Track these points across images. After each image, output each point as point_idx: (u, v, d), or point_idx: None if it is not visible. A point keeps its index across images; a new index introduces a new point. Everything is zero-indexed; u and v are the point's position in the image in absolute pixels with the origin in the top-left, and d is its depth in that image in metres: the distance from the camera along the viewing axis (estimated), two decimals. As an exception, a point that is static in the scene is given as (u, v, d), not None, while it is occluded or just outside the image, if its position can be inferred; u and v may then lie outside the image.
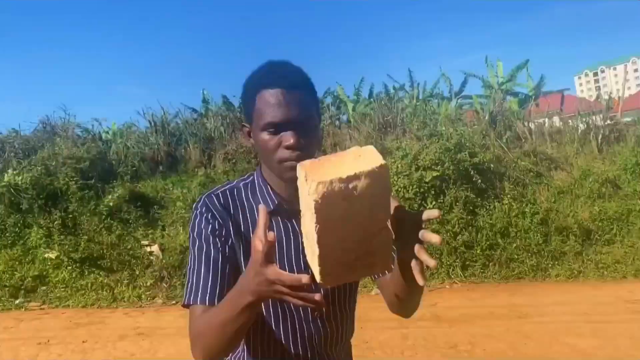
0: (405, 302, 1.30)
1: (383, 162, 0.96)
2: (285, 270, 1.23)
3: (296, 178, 1.15)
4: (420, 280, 1.07)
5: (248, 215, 1.32)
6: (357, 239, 0.99)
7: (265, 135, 1.23)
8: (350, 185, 0.93)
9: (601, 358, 4.65)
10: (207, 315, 1.18)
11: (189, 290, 1.24)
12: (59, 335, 5.84)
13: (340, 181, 0.93)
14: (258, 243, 0.98)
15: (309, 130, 1.24)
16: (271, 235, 0.97)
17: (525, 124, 11.11)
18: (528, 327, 5.44)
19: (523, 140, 10.66)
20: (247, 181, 1.37)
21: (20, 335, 5.98)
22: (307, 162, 1.00)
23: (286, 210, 1.31)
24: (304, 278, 0.95)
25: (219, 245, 1.26)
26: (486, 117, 10.82)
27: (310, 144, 1.25)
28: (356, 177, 0.93)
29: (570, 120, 12.74)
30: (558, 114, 15.90)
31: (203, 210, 1.30)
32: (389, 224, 1.04)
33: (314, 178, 0.92)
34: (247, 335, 1.31)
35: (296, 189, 1.07)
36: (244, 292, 1.05)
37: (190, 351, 1.18)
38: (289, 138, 1.20)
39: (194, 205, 1.34)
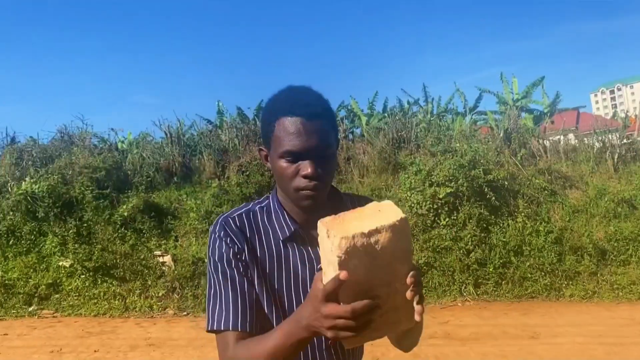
0: (403, 339, 1.36)
1: (403, 215, 0.97)
2: (301, 297, 1.28)
3: (312, 206, 1.24)
4: (417, 317, 1.06)
5: (264, 239, 1.31)
6: (381, 295, 0.97)
7: (283, 163, 1.24)
8: (373, 240, 0.93)
9: (616, 382, 4.58)
10: (248, 344, 1.18)
11: (216, 315, 1.23)
12: (72, 344, 5.89)
13: (362, 236, 0.93)
14: (319, 282, 0.99)
15: (326, 159, 1.25)
16: (343, 274, 0.93)
17: (540, 141, 11.05)
18: (541, 348, 5.38)
19: (538, 157, 10.60)
20: (262, 205, 1.37)
21: (33, 342, 6.03)
22: (327, 218, 1.00)
23: (302, 237, 1.31)
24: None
25: (241, 269, 1.26)
26: (501, 134, 10.78)
27: (327, 173, 1.26)
28: (377, 231, 0.93)
29: (585, 138, 12.65)
30: (573, 132, 15.77)
31: (221, 234, 1.29)
32: None
33: (336, 233, 0.92)
34: None
35: (312, 216, 1.10)
36: (299, 326, 1.06)
37: None
38: (306, 167, 1.21)
39: (210, 229, 1.34)
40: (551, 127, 15.56)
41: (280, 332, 1.12)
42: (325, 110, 1.27)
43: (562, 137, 12.80)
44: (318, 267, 1.19)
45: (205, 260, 8.84)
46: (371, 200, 1.37)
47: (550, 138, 11.97)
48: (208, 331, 1.24)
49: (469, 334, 6.02)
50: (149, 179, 10.47)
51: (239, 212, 1.35)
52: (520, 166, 10.15)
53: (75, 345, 5.83)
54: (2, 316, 8.09)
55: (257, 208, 1.37)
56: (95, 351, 5.58)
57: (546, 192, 9.73)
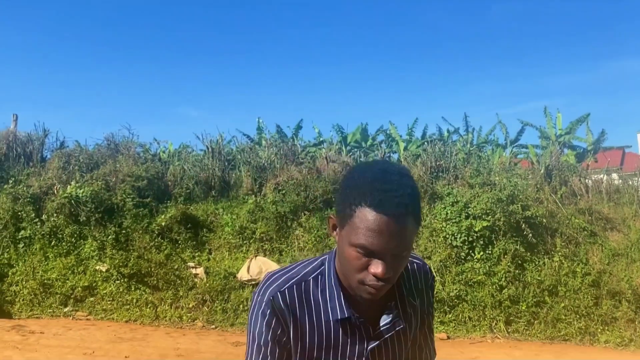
0: None
1: None
2: None
3: (372, 300, 1.22)
4: None
5: (315, 318, 1.27)
6: None
7: (353, 252, 1.15)
8: None
9: None
10: None
11: None
12: (104, 348, 6.04)
13: None
14: None
15: (401, 262, 1.17)
16: None
17: (582, 179, 10.82)
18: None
19: (579, 196, 10.38)
20: (317, 273, 1.29)
21: (68, 343, 6.21)
22: None
23: (355, 321, 1.27)
24: None
25: (277, 352, 1.25)
26: (541, 170, 10.61)
27: (397, 273, 1.19)
28: None
29: (630, 180, 12.33)
30: (617, 172, 15.39)
31: (267, 312, 1.24)
32: None
33: None
34: None
35: (369, 303, 1.20)
36: None
37: None
38: (378, 267, 1.13)
39: (256, 296, 1.28)
40: (594, 165, 15.21)
41: None
42: (415, 209, 1.15)
43: (605, 177, 12.50)
44: (368, 348, 1.28)
45: (241, 280, 8.98)
46: (425, 266, 1.42)
47: (593, 177, 11.70)
48: None
49: (498, 374, 5.91)
50: (188, 190, 10.71)
51: (289, 284, 1.27)
52: (559, 204, 9.96)
53: (107, 350, 5.97)
54: (39, 314, 8.36)
55: (310, 279, 1.28)
56: (126, 357, 5.71)
57: (585, 232, 9.51)
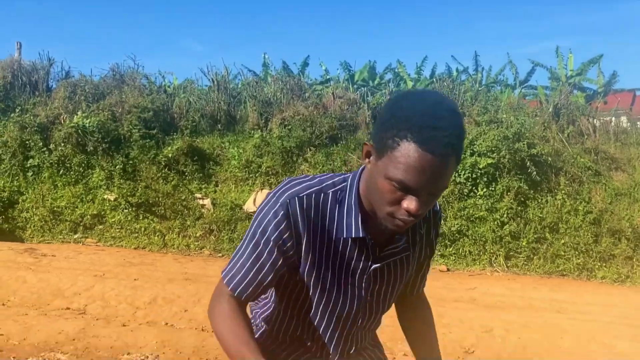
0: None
1: None
2: (339, 300, 1.33)
3: (396, 234, 1.23)
4: None
5: (327, 232, 1.24)
6: None
7: (388, 185, 1.09)
8: None
9: (638, 362, 4.60)
10: (231, 326, 1.21)
11: (229, 269, 1.26)
12: (113, 271, 6.23)
13: None
14: None
15: (434, 199, 1.14)
16: None
17: (590, 120, 10.74)
18: (566, 322, 5.41)
19: (585, 136, 10.34)
20: (337, 189, 1.25)
21: (78, 266, 6.41)
22: None
23: (367, 244, 1.25)
24: None
25: (274, 255, 1.22)
26: (550, 109, 10.52)
27: (429, 209, 1.15)
28: None
29: (639, 122, 12.22)
30: (627, 114, 15.21)
31: (280, 213, 1.20)
32: None
33: None
34: (284, 292, 1.34)
35: (388, 231, 1.19)
36: None
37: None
38: (412, 203, 1.08)
39: (273, 196, 1.23)
40: (604, 107, 15.00)
41: (236, 350, 1.17)
42: (460, 148, 1.09)
43: (613, 119, 12.39)
44: (371, 268, 1.28)
45: (247, 211, 9.16)
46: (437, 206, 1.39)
47: (602, 119, 11.60)
48: (222, 274, 1.29)
49: (494, 302, 6.09)
50: (194, 123, 10.71)
51: (309, 192, 1.22)
52: (566, 143, 9.94)
53: (117, 273, 6.16)
54: (50, 240, 8.58)
55: (330, 192, 1.23)
56: (135, 280, 5.90)
57: (590, 171, 9.54)
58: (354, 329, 1.40)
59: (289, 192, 1.21)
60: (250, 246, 1.23)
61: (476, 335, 4.98)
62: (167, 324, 4.78)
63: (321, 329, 1.36)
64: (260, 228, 1.21)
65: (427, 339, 1.58)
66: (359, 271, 1.28)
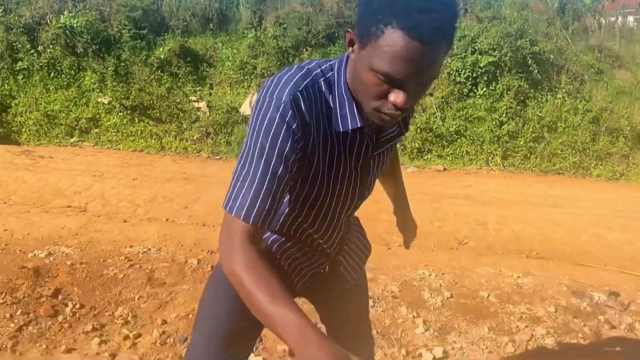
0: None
1: None
2: (343, 190, 1.30)
3: (384, 127, 1.15)
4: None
5: (327, 125, 1.15)
6: None
7: (373, 78, 1.00)
8: None
9: (627, 252, 4.75)
10: (259, 279, 1.02)
11: (234, 198, 1.09)
12: (112, 171, 6.25)
13: None
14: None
15: (424, 90, 1.05)
16: None
17: (596, 16, 10.38)
18: (560, 216, 5.52)
19: (590, 33, 10.03)
20: (326, 77, 1.15)
21: (76, 167, 6.42)
22: None
23: (362, 135, 1.20)
24: None
25: (290, 162, 1.09)
26: (555, 4, 10.12)
27: (417, 102, 1.09)
28: None
29: (645, 19, 11.80)
30: (634, 14, 14.67)
31: (290, 117, 1.07)
32: None
33: None
34: (290, 192, 1.28)
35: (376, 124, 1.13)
36: (299, 343, 0.94)
37: (218, 253, 1.11)
38: (399, 96, 1.00)
39: (267, 95, 1.09)
40: (611, 5, 14.44)
41: (285, 320, 0.97)
42: (452, 33, 0.99)
43: (620, 18, 11.96)
44: (371, 155, 1.25)
45: (244, 114, 9.08)
46: None
47: (609, 18, 11.19)
48: (224, 208, 1.11)
49: (490, 198, 6.18)
50: (185, 23, 10.33)
51: (305, 84, 1.11)
52: (569, 40, 9.66)
53: (115, 173, 6.19)
54: (46, 144, 8.55)
55: (322, 82, 1.14)
56: (134, 179, 5.93)
57: (593, 70, 9.36)
58: (350, 212, 1.42)
59: (287, 88, 1.09)
60: (262, 163, 1.07)
61: (470, 228, 5.10)
62: (167, 219, 4.87)
63: (327, 220, 1.36)
64: (270, 138, 1.06)
65: (395, 181, 1.77)
66: (360, 160, 1.26)
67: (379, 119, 1.06)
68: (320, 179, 1.24)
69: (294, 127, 1.07)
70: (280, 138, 1.06)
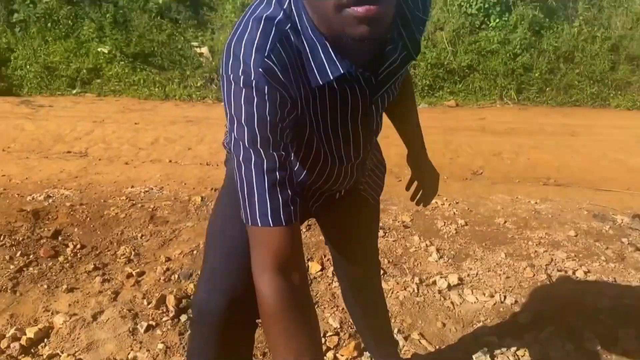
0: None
1: None
2: (350, 141, 1.12)
3: (371, 35, 0.81)
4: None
5: (304, 77, 0.93)
6: None
7: None
8: None
9: (649, 176, 4.54)
10: (280, 327, 0.90)
11: (249, 208, 0.93)
12: (113, 117, 6.10)
13: None
14: None
15: None
16: None
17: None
18: (578, 143, 5.30)
19: (609, -44, 9.47)
20: (290, 23, 0.91)
21: (77, 114, 6.27)
22: None
23: (353, 74, 0.95)
24: None
25: (285, 136, 0.92)
26: None
27: None
28: None
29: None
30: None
31: (265, 89, 0.87)
32: None
33: None
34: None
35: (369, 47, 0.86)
36: None
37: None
38: None
39: (231, 71, 0.89)
40: None
41: None
42: None
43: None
44: (372, 100, 1.02)
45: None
46: None
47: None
48: (245, 223, 0.96)
49: (505, 129, 5.95)
50: (182, -35, 9.93)
51: (270, 44, 0.89)
52: (587, -36, 9.13)
53: (116, 118, 6.04)
54: (48, 96, 8.39)
55: (288, 30, 0.90)
56: (135, 123, 5.78)
57: (612, -5, 8.88)
58: (361, 158, 1.25)
59: (252, 58, 0.87)
60: (256, 155, 0.91)
61: (485, 158, 4.91)
62: (170, 161, 4.73)
63: (334, 172, 1.21)
64: (256, 123, 0.88)
65: (408, 116, 1.48)
66: (360, 110, 1.04)
67: (353, 22, 0.79)
68: (316, 142, 1.07)
69: (277, 99, 0.88)
70: (270, 120, 0.88)
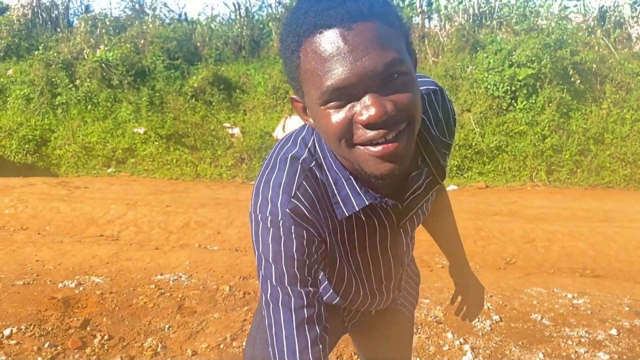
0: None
1: None
2: (380, 266, 1.13)
3: (392, 174, 0.81)
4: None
5: (331, 210, 0.96)
6: None
7: (326, 111, 0.78)
8: None
9: (692, 267, 4.35)
10: None
11: (277, 349, 0.94)
12: (145, 199, 6.22)
13: None
14: None
15: (397, 86, 0.77)
16: None
17: (639, 22, 9.96)
18: (613, 231, 5.15)
19: (634, 40, 9.61)
20: (314, 159, 0.94)
21: (110, 196, 6.42)
22: None
23: (378, 204, 0.96)
24: None
25: (313, 273, 0.93)
26: (595, 12, 9.77)
27: (407, 105, 0.78)
28: None
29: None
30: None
31: (292, 229, 0.90)
32: None
33: None
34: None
35: (391, 181, 0.86)
36: None
37: None
38: (367, 107, 0.76)
39: (259, 213, 0.92)
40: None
41: None
42: (378, 4, 0.78)
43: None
44: (400, 225, 1.05)
45: (277, 139, 9.03)
46: (439, 88, 1.03)
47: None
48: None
49: (536, 214, 5.84)
50: (217, 51, 10.45)
51: (297, 183, 0.91)
52: (612, 49, 9.27)
53: (149, 200, 6.15)
54: (84, 175, 8.66)
55: (314, 167, 0.93)
56: (167, 206, 5.87)
57: (639, 78, 8.92)
58: (397, 276, 1.25)
59: (280, 199, 0.90)
60: (284, 294, 0.92)
61: (517, 246, 4.79)
62: (200, 245, 4.75)
63: (368, 295, 1.22)
64: (283, 261, 0.90)
65: (447, 229, 1.46)
66: (389, 238, 1.06)
67: (372, 162, 0.80)
68: (347, 270, 1.09)
69: (305, 237, 0.90)
70: (295, 255, 0.90)
